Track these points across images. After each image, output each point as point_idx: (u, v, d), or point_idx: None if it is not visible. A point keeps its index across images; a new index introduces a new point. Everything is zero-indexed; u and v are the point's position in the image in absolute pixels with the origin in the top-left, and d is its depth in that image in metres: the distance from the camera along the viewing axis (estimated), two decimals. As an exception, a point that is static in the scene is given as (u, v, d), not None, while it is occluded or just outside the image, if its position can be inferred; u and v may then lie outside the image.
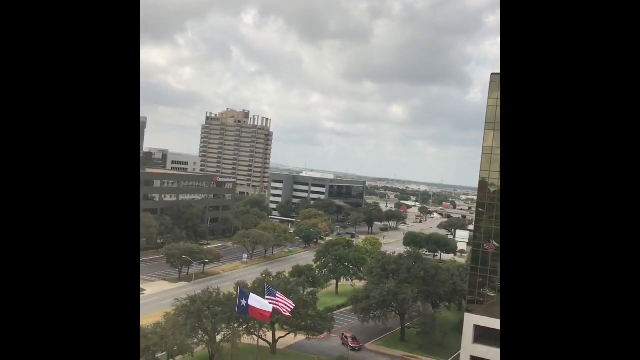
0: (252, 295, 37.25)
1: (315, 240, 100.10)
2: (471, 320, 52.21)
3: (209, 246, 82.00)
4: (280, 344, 45.23)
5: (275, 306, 37.80)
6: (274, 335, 44.59)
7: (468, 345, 51.23)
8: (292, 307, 39.00)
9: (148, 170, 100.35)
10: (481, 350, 50.68)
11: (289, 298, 44.63)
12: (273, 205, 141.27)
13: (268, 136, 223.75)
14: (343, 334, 49.64)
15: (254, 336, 41.71)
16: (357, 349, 47.46)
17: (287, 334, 44.32)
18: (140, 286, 62.42)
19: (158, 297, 57.77)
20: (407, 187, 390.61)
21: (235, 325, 41.29)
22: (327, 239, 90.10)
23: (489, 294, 53.33)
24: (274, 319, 41.43)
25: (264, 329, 42.98)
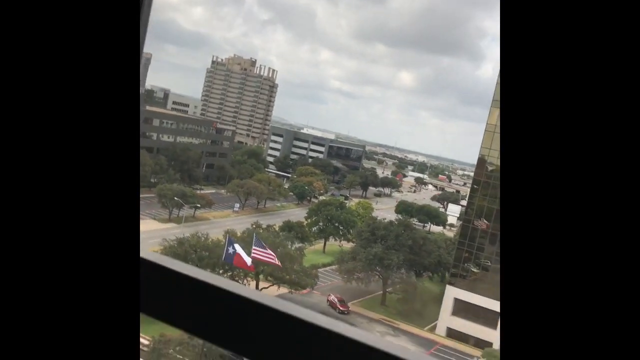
0: (237, 246, 37.56)
1: (308, 198, 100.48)
2: (452, 294, 52.99)
3: (202, 191, 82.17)
4: (263, 295, 45.87)
5: (263, 258, 38.20)
6: (257, 285, 45.18)
7: (446, 316, 52.16)
8: (278, 264, 39.43)
9: (148, 108, 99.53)
10: (458, 323, 51.62)
11: (276, 251, 45.10)
12: (270, 159, 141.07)
13: (273, 88, 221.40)
14: (329, 296, 49.45)
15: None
16: (345, 312, 47.30)
17: (271, 285, 44.91)
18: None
19: (146, 235, 58.13)
20: (405, 156, 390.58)
21: (221, 272, 41.76)
22: (321, 198, 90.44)
23: (472, 269, 54.00)
24: (259, 269, 41.90)
25: (248, 279, 43.51)
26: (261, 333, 0.66)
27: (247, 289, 0.70)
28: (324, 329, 0.61)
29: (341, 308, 47.33)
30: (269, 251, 38.99)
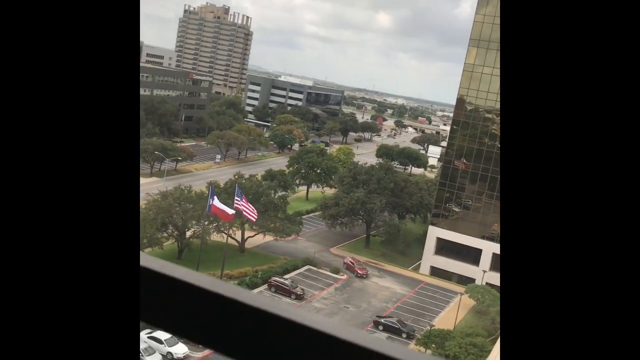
0: (215, 199, 37.88)
1: (289, 146, 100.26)
2: (434, 233, 54.21)
3: (182, 144, 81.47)
4: (249, 244, 46.50)
5: (242, 210, 38.56)
6: (243, 234, 45.70)
7: (429, 256, 53.55)
8: (256, 216, 39.88)
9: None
10: (441, 261, 53.08)
11: (260, 200, 45.42)
12: (249, 108, 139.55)
13: (248, 35, 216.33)
14: (346, 259, 47.76)
15: (224, 234, 42.70)
16: (364, 276, 45.87)
17: (256, 234, 45.44)
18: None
19: (129, 190, 57.82)
20: (384, 100, 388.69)
21: (206, 223, 42.06)
22: (302, 145, 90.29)
23: (454, 209, 55.09)
24: (244, 219, 42.29)
25: (234, 228, 43.94)
26: (264, 339, 0.65)
27: (248, 294, 0.69)
28: (332, 336, 0.60)
29: (360, 272, 45.93)
30: (249, 205, 39.39)
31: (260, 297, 0.67)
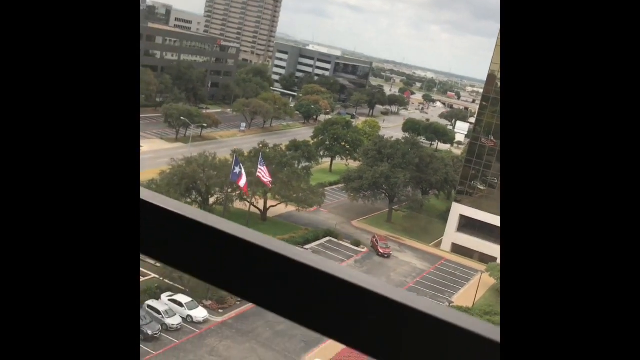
0: (241, 167, 38.38)
1: (314, 117, 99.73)
2: (458, 210, 53.70)
3: (208, 111, 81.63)
4: (271, 213, 46.70)
5: (264, 179, 39.06)
6: (265, 203, 45.87)
7: (451, 232, 53.16)
8: (270, 184, 40.79)
9: (150, 25, 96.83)
10: (463, 238, 52.66)
11: (283, 170, 45.44)
12: (276, 77, 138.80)
13: (277, 2, 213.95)
14: (374, 237, 46.50)
15: (246, 202, 42.91)
16: (385, 256, 44.29)
17: (278, 203, 45.56)
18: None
19: (154, 154, 58.43)
20: (413, 73, 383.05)
21: (229, 190, 42.27)
22: (327, 117, 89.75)
23: (479, 186, 54.38)
24: (267, 188, 42.39)
25: (257, 197, 44.12)
26: (255, 273, 0.66)
27: (242, 229, 0.69)
28: (322, 272, 0.61)
29: (380, 251, 44.16)
30: (268, 173, 39.88)
31: (258, 235, 0.67)
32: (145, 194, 0.74)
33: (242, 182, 38.09)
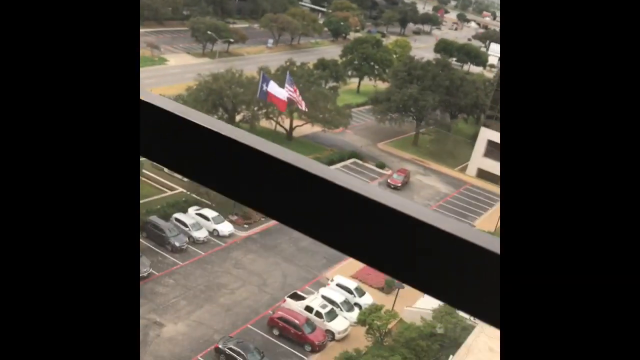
0: (272, 83, 37.48)
1: (344, 35, 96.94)
2: (486, 135, 52.86)
3: (235, 25, 79.89)
4: (297, 132, 46.67)
5: (294, 98, 38.31)
6: (291, 123, 45.75)
7: (478, 157, 52.66)
8: (305, 107, 39.87)
9: None
10: (489, 164, 52.15)
11: (310, 90, 44.82)
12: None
13: None
14: (391, 175, 43.45)
15: (272, 121, 42.81)
16: (392, 186, 41.79)
17: (304, 123, 45.40)
18: (164, 56, 62.45)
19: (181, 69, 58.10)
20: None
21: (255, 108, 42.10)
22: (357, 35, 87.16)
23: (509, 112, 53.11)
24: (293, 107, 42.06)
25: (282, 117, 43.94)
26: (249, 175, 0.66)
27: (242, 133, 0.68)
28: (320, 177, 0.60)
29: (389, 181, 42.02)
30: (298, 94, 39.06)
31: (259, 140, 0.67)
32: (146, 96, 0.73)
33: (281, 97, 37.61)
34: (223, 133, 0.67)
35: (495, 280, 0.51)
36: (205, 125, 0.69)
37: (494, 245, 0.53)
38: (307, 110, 40.97)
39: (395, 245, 0.58)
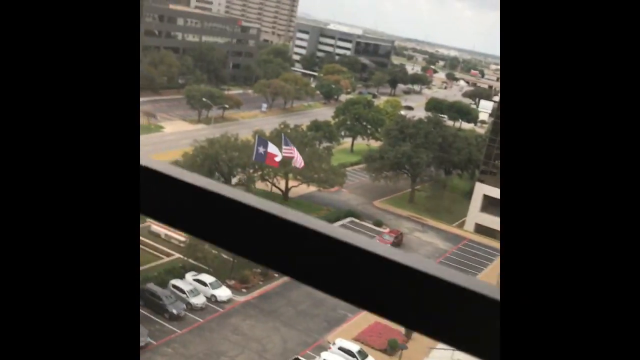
0: (270, 143, 38.11)
1: (335, 97, 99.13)
2: (481, 190, 53.10)
3: (230, 92, 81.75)
4: (292, 193, 46.80)
5: (290, 157, 38.74)
6: (287, 184, 45.98)
7: (475, 212, 52.67)
8: (302, 165, 40.22)
9: (171, 6, 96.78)
10: (487, 218, 52.11)
11: (304, 151, 45.38)
12: (296, 57, 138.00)
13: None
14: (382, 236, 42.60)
15: (268, 182, 43.02)
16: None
17: (300, 184, 45.62)
18: (160, 124, 63.45)
19: (178, 136, 58.87)
20: (436, 51, 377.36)
21: (251, 171, 42.41)
22: (348, 96, 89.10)
23: (503, 166, 53.60)
24: (288, 169, 42.41)
25: (278, 177, 44.20)
26: (255, 235, 0.68)
27: (240, 193, 0.72)
28: (319, 233, 0.64)
29: (377, 239, 39.11)
30: (297, 153, 39.58)
31: (261, 200, 0.70)
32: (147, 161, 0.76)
33: (277, 158, 38.33)
34: (218, 191, 0.72)
35: (496, 325, 0.52)
36: (199, 185, 0.74)
37: (493, 292, 0.55)
38: (304, 167, 41.44)
39: (404, 296, 0.59)
